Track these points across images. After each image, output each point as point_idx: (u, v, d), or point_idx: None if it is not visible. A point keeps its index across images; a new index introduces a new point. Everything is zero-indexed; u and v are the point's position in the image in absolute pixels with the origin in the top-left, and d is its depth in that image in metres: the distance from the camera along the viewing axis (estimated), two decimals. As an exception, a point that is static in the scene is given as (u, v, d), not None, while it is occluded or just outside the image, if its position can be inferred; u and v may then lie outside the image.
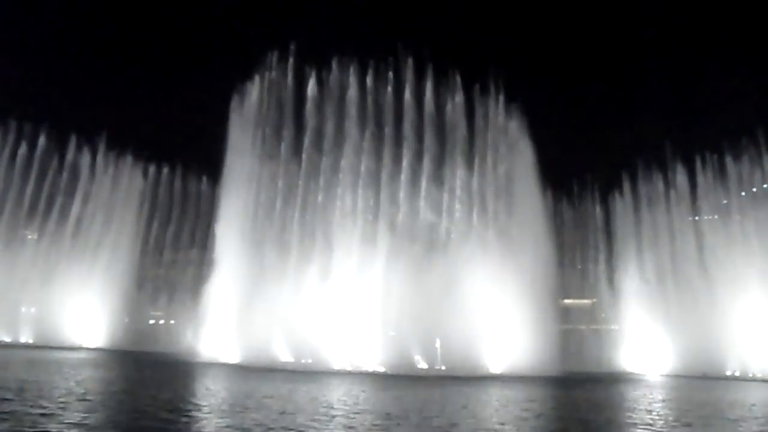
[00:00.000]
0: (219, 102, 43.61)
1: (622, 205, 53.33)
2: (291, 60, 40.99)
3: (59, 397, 16.70)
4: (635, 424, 17.09)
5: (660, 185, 51.26)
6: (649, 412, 19.90)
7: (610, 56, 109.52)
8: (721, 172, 49.20)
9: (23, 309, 54.55)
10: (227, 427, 13.83)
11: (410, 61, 40.20)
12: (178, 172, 60.25)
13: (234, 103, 41.79)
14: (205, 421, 14.39)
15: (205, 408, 16.93)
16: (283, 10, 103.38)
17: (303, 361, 35.79)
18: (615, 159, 62.58)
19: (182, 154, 61.50)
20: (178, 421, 14.09)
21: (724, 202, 49.69)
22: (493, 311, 36.05)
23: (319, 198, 39.18)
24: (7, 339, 51.88)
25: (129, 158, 57.80)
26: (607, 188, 54.59)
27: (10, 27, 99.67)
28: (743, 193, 49.16)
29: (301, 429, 13.59)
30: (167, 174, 60.02)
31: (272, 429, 13.32)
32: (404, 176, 38.69)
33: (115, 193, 56.90)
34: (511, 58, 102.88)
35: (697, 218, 50.74)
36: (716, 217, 50.03)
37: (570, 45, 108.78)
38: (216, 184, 44.87)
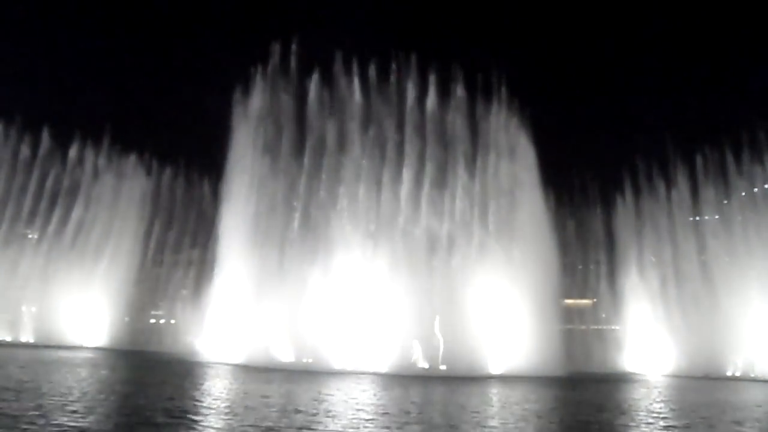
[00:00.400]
0: (222, 100, 43.47)
1: (622, 204, 53.19)
2: (293, 57, 40.80)
3: (59, 397, 16.69)
4: (637, 424, 17.05)
5: (661, 185, 51.14)
6: (651, 412, 19.85)
7: (610, 56, 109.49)
8: (722, 171, 49.07)
9: (24, 308, 54.54)
10: (227, 426, 13.81)
11: (413, 58, 40.11)
12: (181, 171, 60.09)
13: (236, 101, 41.63)
14: (205, 421, 14.36)
15: (205, 407, 16.92)
16: (285, 8, 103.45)
17: (304, 360, 35.75)
18: (615, 159, 62.58)
19: (185, 153, 61.31)
20: (178, 421, 14.05)
21: (725, 202, 49.57)
22: (495, 311, 35.99)
23: (321, 198, 39.05)
24: (8, 338, 51.91)
25: (132, 157, 57.72)
26: (608, 188, 54.50)
27: (12, 26, 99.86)
28: (743, 193, 49.03)
29: (302, 428, 13.55)
30: (170, 173, 59.85)
31: (273, 429, 13.30)
32: (406, 175, 38.56)
33: (117, 192, 56.78)
34: (512, 58, 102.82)
35: (698, 218, 50.62)
36: (717, 217, 49.93)
37: (570, 44, 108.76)
38: (219, 183, 44.70)
